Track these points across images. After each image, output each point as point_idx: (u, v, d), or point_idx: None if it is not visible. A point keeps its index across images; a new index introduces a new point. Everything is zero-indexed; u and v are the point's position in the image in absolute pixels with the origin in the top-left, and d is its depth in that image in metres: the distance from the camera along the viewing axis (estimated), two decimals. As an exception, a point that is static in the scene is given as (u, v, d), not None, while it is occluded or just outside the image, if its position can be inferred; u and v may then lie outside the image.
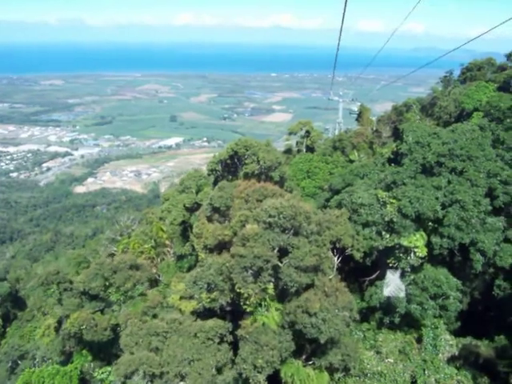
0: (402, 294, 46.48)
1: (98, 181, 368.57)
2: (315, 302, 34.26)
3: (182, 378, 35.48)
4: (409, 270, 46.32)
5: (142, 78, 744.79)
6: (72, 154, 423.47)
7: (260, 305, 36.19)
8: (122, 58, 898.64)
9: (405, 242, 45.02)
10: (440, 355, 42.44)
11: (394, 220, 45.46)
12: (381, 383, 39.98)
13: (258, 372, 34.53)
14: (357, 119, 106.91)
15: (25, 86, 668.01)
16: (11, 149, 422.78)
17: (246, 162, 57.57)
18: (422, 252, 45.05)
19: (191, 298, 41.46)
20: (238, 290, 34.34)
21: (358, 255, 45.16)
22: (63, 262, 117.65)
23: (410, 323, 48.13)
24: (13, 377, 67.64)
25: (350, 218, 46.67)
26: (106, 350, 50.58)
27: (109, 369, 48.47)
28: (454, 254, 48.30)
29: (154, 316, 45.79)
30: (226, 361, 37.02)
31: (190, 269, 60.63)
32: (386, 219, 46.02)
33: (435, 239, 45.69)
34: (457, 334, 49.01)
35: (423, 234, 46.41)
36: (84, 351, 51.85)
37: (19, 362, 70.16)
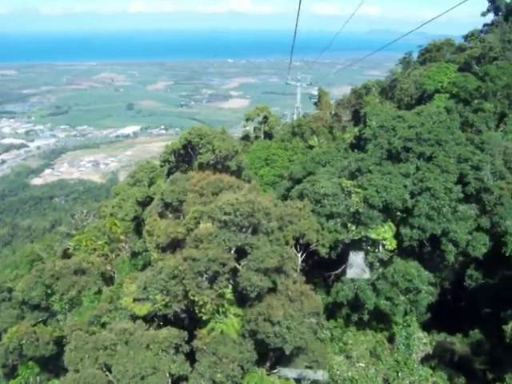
0: (366, 276, 44.10)
1: (55, 172, 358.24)
2: (278, 308, 30.85)
3: (134, 396, 31.68)
4: (377, 263, 43.21)
5: (97, 66, 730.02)
6: (28, 146, 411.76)
7: (218, 311, 32.64)
8: (77, 47, 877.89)
9: (372, 235, 41.99)
10: (414, 355, 39.92)
11: (360, 211, 42.32)
12: (353, 389, 36.94)
13: (218, 387, 31.00)
14: (315, 103, 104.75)
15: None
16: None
17: (201, 151, 53.75)
18: (391, 245, 42.11)
19: (145, 300, 37.35)
20: (191, 298, 30.66)
21: (323, 251, 41.86)
22: (15, 259, 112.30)
23: (379, 319, 45.37)
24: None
25: (313, 210, 43.34)
26: (53, 362, 46.19)
27: (57, 382, 44.26)
28: (423, 245, 45.36)
29: (103, 325, 41.72)
30: (182, 373, 33.27)
31: (144, 267, 56.76)
32: (352, 210, 42.84)
33: (405, 230, 42.74)
34: (427, 327, 46.78)
35: (391, 224, 43.42)
36: (30, 363, 47.38)
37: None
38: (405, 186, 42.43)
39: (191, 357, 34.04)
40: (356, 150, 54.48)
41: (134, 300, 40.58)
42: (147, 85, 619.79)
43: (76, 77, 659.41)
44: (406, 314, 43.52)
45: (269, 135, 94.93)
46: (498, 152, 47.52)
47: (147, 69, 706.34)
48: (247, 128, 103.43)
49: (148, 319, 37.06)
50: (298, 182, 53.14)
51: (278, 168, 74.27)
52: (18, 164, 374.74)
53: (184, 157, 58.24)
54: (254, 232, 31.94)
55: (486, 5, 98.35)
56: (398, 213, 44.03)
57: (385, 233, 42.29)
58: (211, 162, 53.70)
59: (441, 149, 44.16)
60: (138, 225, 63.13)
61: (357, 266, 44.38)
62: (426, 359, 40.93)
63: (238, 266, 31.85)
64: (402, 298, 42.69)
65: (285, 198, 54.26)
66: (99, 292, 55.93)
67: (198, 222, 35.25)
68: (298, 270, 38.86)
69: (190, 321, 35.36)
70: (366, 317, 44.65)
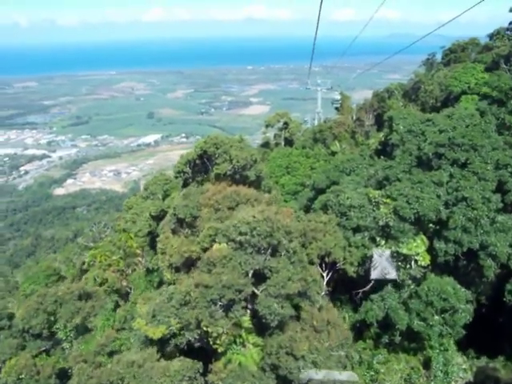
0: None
1: (77, 182, 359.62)
2: (302, 341, 27.38)
3: None
4: (409, 281, 39.55)
5: (116, 76, 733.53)
6: (50, 156, 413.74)
7: (234, 341, 29.30)
8: (95, 57, 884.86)
9: (404, 250, 38.39)
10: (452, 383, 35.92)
11: (390, 224, 38.73)
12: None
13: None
14: (337, 108, 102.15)
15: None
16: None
17: (217, 161, 50.49)
18: (425, 260, 38.49)
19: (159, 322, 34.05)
20: (204, 329, 27.37)
21: (351, 269, 38.37)
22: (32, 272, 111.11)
23: (412, 338, 41.58)
24: None
25: (338, 224, 39.99)
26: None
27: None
28: (458, 258, 41.60)
29: (111, 354, 38.44)
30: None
31: (160, 284, 53.94)
32: (381, 223, 39.32)
33: (439, 245, 39.11)
34: (462, 346, 42.81)
35: (424, 238, 39.80)
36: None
37: None
38: (438, 196, 38.90)
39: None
40: (382, 157, 51.21)
41: (147, 323, 37.74)
42: (167, 93, 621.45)
43: (96, 87, 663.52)
44: (441, 334, 39.70)
45: (289, 142, 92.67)
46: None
47: (166, 77, 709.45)
48: (267, 135, 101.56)
49: (163, 342, 33.72)
50: (321, 192, 49.79)
51: (300, 176, 71.36)
52: (40, 174, 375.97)
53: (200, 167, 55.20)
54: (274, 253, 28.64)
55: (503, 5, 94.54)
56: (431, 225, 40.47)
57: (417, 247, 38.68)
58: (228, 172, 50.43)
59: (476, 154, 40.58)
60: (152, 239, 59.99)
61: (382, 266, 40.81)
62: (466, 388, 37.20)
63: (256, 291, 28.49)
64: (437, 318, 38.91)
65: (307, 208, 51.20)
66: (116, 308, 54.13)
67: (214, 240, 32.25)
68: (324, 293, 35.22)
69: (205, 350, 31.95)
70: (397, 338, 40.93)
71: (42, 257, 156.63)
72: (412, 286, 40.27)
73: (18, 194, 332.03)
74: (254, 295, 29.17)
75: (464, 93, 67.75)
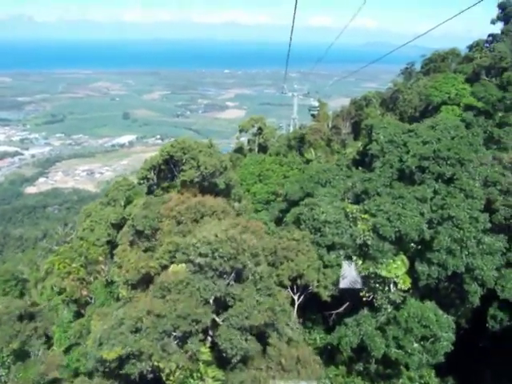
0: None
1: (49, 181, 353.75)
2: (267, 382, 23.73)
3: None
4: (387, 305, 36.23)
5: (93, 75, 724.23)
6: (22, 154, 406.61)
7: (191, 375, 25.56)
8: (72, 56, 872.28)
9: (383, 272, 35.02)
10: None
11: (369, 243, 35.43)
12: None
13: None
14: (313, 115, 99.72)
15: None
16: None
17: (184, 167, 46.85)
18: (405, 284, 35.23)
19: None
20: (155, 364, 23.63)
21: (325, 293, 35.03)
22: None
23: (388, 365, 38.26)
24: None
25: (311, 241, 36.54)
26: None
27: None
28: (439, 280, 38.40)
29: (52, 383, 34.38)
30: None
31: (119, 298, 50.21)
32: (358, 241, 36.03)
33: (421, 267, 35.95)
34: (441, 373, 39.67)
35: (404, 258, 36.61)
36: None
37: None
38: (421, 214, 35.78)
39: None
40: (360, 168, 48.39)
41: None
42: (143, 94, 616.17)
43: (72, 85, 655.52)
44: (420, 363, 36.43)
45: (263, 148, 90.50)
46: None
47: (143, 78, 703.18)
48: (241, 140, 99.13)
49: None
50: (295, 204, 46.61)
51: (272, 185, 68.45)
52: (12, 172, 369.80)
53: (166, 173, 51.62)
54: (238, 278, 25.02)
55: (480, 18, 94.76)
56: (412, 244, 37.25)
57: (397, 269, 35.41)
58: (196, 179, 46.89)
59: (463, 169, 37.63)
60: (113, 248, 56.38)
61: (350, 277, 37.83)
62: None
63: (217, 319, 24.87)
64: (417, 345, 35.67)
65: (279, 221, 48.29)
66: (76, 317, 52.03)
67: (174, 257, 28.55)
68: (294, 325, 31.40)
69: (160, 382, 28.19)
70: (372, 366, 37.74)
71: (10, 256, 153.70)
72: (390, 310, 36.98)
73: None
74: (215, 323, 25.55)
75: (444, 103, 67.46)
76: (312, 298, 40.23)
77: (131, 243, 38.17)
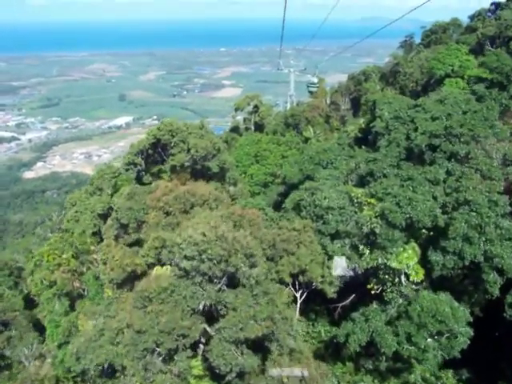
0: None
1: (47, 165, 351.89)
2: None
3: None
4: (398, 299, 32.98)
5: (88, 57, 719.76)
6: (19, 139, 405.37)
7: (181, 393, 22.31)
8: (66, 38, 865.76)
9: (393, 263, 31.70)
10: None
11: (377, 231, 32.01)
12: None
13: None
14: (310, 91, 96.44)
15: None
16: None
17: (173, 151, 43.42)
18: (418, 276, 31.92)
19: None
20: (137, 385, 20.38)
21: (330, 290, 31.70)
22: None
23: (400, 359, 35.10)
24: None
25: (313, 229, 33.18)
26: None
27: None
28: (453, 268, 35.01)
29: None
30: None
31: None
32: (365, 230, 32.58)
33: (435, 257, 32.38)
34: (455, 366, 36.42)
35: (416, 246, 33.26)
36: None
37: None
38: (434, 198, 32.33)
39: None
40: (364, 147, 44.91)
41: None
42: (139, 75, 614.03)
43: (66, 68, 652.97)
44: (435, 359, 33.26)
45: (260, 126, 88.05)
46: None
47: (138, 59, 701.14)
48: (237, 118, 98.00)
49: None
50: (294, 187, 43.44)
51: (270, 166, 65.78)
52: (9, 157, 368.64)
53: (155, 157, 48.19)
54: (231, 283, 21.53)
55: None
56: (424, 230, 33.88)
57: (408, 259, 32.08)
58: (186, 163, 43.47)
59: (479, 147, 34.14)
60: (102, 240, 53.28)
61: (342, 268, 34.52)
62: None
63: (208, 329, 21.54)
64: (431, 341, 32.47)
65: (277, 206, 44.97)
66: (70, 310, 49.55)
67: (161, 253, 25.24)
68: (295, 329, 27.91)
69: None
70: (383, 364, 34.56)
71: (10, 242, 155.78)
72: (400, 303, 33.76)
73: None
74: (206, 332, 22.27)
75: (447, 76, 64.63)
76: (315, 290, 37.21)
77: (116, 237, 35.01)
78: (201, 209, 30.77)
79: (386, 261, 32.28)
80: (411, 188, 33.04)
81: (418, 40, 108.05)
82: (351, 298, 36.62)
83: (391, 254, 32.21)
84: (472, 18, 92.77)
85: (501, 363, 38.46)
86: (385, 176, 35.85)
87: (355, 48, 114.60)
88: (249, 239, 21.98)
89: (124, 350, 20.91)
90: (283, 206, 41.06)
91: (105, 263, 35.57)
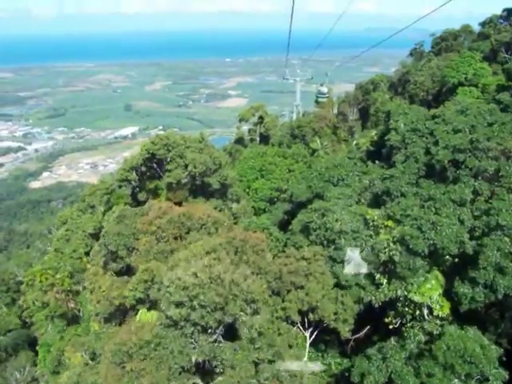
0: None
1: (53, 175, 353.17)
2: None
3: None
4: (421, 337, 29.18)
5: (94, 68, 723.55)
6: (26, 149, 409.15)
7: None
8: (73, 49, 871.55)
9: (415, 297, 27.99)
10: None
11: (395, 259, 28.35)
12: None
13: None
14: (317, 101, 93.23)
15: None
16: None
17: (169, 167, 39.86)
18: (444, 311, 28.13)
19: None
20: None
21: (345, 329, 27.90)
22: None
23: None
24: None
25: (323, 255, 29.59)
26: None
27: None
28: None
29: None
30: None
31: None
32: (382, 257, 28.93)
33: (463, 289, 28.54)
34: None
35: (439, 275, 29.52)
36: None
37: None
38: (461, 222, 28.55)
39: None
40: (378, 162, 41.30)
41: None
42: (145, 85, 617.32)
43: (72, 78, 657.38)
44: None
45: (265, 138, 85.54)
46: None
47: (144, 69, 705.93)
48: (242, 129, 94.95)
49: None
50: (302, 205, 39.70)
51: (276, 180, 62.12)
52: (15, 167, 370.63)
53: (152, 173, 44.76)
54: (229, 333, 17.85)
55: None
56: (448, 257, 30.19)
57: (431, 290, 28.40)
58: (183, 180, 39.98)
59: (510, 163, 30.27)
60: (93, 260, 50.35)
61: (354, 263, 31.92)
62: None
63: (201, 386, 17.88)
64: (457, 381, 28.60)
65: (284, 225, 41.64)
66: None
67: (150, 288, 21.73)
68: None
69: None
70: (403, 407, 30.73)
71: (15, 253, 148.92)
72: (421, 338, 29.99)
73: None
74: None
75: (461, 84, 63.02)
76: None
77: (104, 264, 31.37)
78: (198, 234, 27.29)
79: (406, 293, 28.63)
80: (434, 209, 29.44)
81: (427, 49, 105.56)
82: (365, 330, 32.99)
83: (412, 284, 28.55)
84: (483, 24, 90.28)
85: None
86: (403, 195, 32.37)
87: (361, 58, 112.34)
88: (250, 281, 18.20)
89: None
90: (290, 227, 37.56)
91: (91, 292, 32.11)
